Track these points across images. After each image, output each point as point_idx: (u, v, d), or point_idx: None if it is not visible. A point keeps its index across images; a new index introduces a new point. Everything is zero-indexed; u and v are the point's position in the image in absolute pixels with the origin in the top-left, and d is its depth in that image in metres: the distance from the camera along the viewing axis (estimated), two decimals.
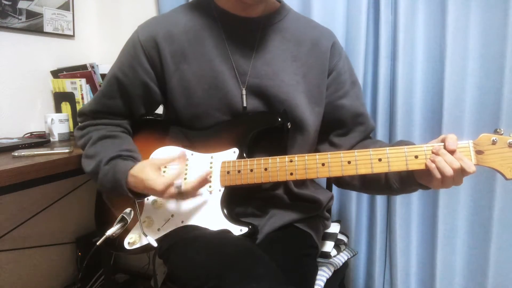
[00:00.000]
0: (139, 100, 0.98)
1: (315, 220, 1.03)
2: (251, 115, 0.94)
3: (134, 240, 0.94)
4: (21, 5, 1.51)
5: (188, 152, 0.96)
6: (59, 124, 1.40)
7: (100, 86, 1.52)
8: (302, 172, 0.84)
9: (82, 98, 1.52)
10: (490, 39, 1.20)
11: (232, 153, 0.91)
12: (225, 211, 0.88)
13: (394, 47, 1.30)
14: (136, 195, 0.88)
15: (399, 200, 1.36)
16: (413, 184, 0.83)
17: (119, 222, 0.90)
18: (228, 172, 0.89)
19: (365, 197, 1.46)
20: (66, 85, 1.55)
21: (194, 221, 0.90)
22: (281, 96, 0.92)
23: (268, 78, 0.93)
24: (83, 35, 1.80)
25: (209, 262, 0.77)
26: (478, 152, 0.74)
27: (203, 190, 0.90)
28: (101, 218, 1.04)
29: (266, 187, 0.96)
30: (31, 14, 1.55)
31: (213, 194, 0.90)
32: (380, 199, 1.40)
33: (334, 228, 1.20)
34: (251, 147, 0.92)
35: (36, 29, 1.58)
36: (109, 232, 0.87)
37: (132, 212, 0.92)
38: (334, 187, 1.15)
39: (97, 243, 0.87)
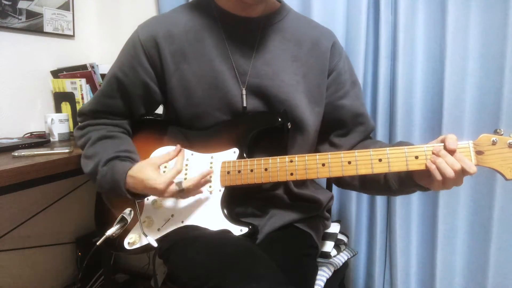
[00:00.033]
0: (139, 100, 0.98)
1: (315, 220, 1.03)
2: (251, 115, 0.93)
3: (134, 240, 0.94)
4: (21, 5, 1.51)
5: (188, 152, 0.96)
6: (59, 124, 1.40)
7: (100, 86, 1.52)
8: (302, 173, 0.84)
9: (82, 98, 1.52)
10: (490, 39, 1.20)
11: (232, 153, 0.91)
12: (225, 211, 0.88)
13: (394, 47, 1.30)
14: (135, 196, 0.88)
15: (399, 200, 1.36)
16: (412, 185, 0.83)
17: (119, 222, 0.90)
18: (228, 172, 0.89)
19: (365, 197, 1.46)
20: (66, 85, 1.55)
21: (194, 221, 0.90)
22: (281, 96, 0.92)
23: (268, 78, 0.93)
24: (83, 35, 1.80)
25: (209, 262, 0.77)
26: (478, 153, 0.74)
27: (203, 189, 0.90)
28: (101, 218, 1.04)
29: (266, 187, 0.96)
30: (31, 14, 1.55)
31: (213, 194, 0.90)
32: (380, 199, 1.40)
33: (334, 228, 1.20)
34: (251, 147, 0.92)
35: (36, 29, 1.58)
36: (109, 232, 0.87)
37: (132, 212, 0.92)
38: (334, 187, 1.15)
39: (97, 243, 0.87)
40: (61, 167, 1.06)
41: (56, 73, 1.62)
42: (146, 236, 0.89)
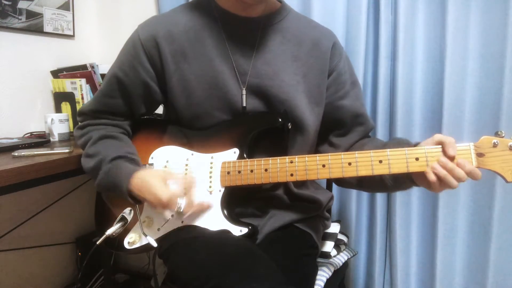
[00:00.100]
0: (140, 99, 0.98)
1: (315, 220, 1.03)
2: (251, 115, 0.93)
3: (134, 239, 0.94)
4: (21, 5, 1.51)
5: (188, 152, 0.96)
6: (59, 124, 1.40)
7: (100, 86, 1.52)
8: (302, 173, 0.84)
9: (82, 98, 1.52)
10: (490, 39, 1.20)
11: (232, 154, 0.91)
12: (225, 211, 0.88)
13: (394, 47, 1.30)
14: (132, 198, 0.88)
15: (399, 200, 1.37)
16: (406, 181, 0.83)
17: (119, 221, 0.90)
18: (228, 173, 0.89)
19: (365, 197, 1.46)
20: (66, 85, 1.55)
21: (194, 221, 0.90)
22: (281, 96, 0.92)
23: (268, 78, 0.93)
24: (83, 35, 1.80)
25: (209, 262, 0.77)
26: (479, 155, 0.74)
27: (203, 189, 0.90)
28: (101, 218, 1.04)
29: (266, 188, 0.96)
30: (31, 14, 1.55)
31: (213, 194, 0.90)
32: (380, 199, 1.40)
33: (334, 228, 1.20)
34: (252, 147, 0.92)
35: (36, 29, 1.58)
36: (109, 231, 0.87)
37: (132, 211, 0.92)
38: (334, 187, 1.16)
39: (97, 243, 0.87)
40: (61, 167, 1.06)
41: (56, 73, 1.62)
42: (145, 236, 0.89)
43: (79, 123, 1.03)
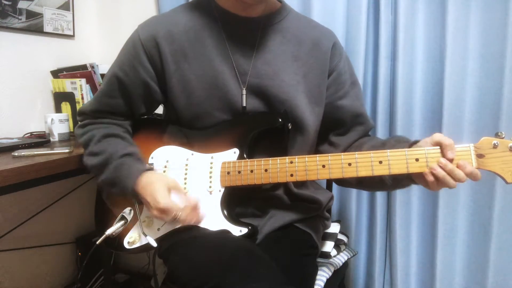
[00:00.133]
0: (140, 99, 0.98)
1: (315, 220, 1.03)
2: (251, 115, 0.93)
3: (134, 239, 0.94)
4: (21, 5, 1.51)
5: (188, 152, 0.96)
6: (59, 124, 1.40)
7: (100, 86, 1.52)
8: (302, 174, 0.84)
9: (82, 98, 1.52)
10: (490, 39, 1.20)
11: (232, 154, 0.91)
12: (225, 211, 0.88)
13: (394, 47, 1.30)
14: (133, 195, 0.88)
15: (399, 200, 1.37)
16: (405, 179, 0.83)
17: (119, 221, 0.90)
18: (228, 173, 0.89)
19: (365, 197, 1.46)
20: (66, 85, 1.55)
21: None
22: (281, 96, 0.92)
23: (269, 78, 0.93)
24: (83, 35, 1.80)
25: (209, 262, 0.77)
26: (479, 156, 0.75)
27: (203, 189, 0.90)
28: (101, 218, 1.04)
29: (266, 188, 0.96)
30: (31, 14, 1.55)
31: (213, 194, 0.90)
32: (380, 199, 1.40)
33: (334, 228, 1.20)
34: (252, 148, 0.92)
35: (36, 29, 1.58)
36: (109, 231, 0.87)
37: (132, 211, 0.92)
38: (334, 187, 1.16)
39: (97, 243, 0.87)
40: (61, 167, 1.06)
41: (56, 73, 1.62)
42: (145, 235, 0.89)
43: (80, 122, 1.03)
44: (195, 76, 0.93)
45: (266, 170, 0.86)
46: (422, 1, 1.27)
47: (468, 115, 1.25)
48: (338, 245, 1.17)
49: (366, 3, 1.32)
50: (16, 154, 1.07)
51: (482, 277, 1.29)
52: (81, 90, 1.52)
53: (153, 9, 1.73)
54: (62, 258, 1.77)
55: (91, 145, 0.95)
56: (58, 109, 1.57)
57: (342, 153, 0.82)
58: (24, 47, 1.55)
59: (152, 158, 0.98)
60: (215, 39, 0.93)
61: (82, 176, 1.08)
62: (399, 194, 1.37)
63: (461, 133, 1.26)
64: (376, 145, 0.92)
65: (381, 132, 1.36)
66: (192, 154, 0.95)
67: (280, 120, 0.89)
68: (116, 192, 0.91)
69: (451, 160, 0.74)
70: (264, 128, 0.91)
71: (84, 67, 1.57)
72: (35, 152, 1.09)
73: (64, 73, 1.60)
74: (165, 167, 0.96)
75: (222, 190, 0.90)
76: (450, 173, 0.73)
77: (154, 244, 0.88)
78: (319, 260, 1.08)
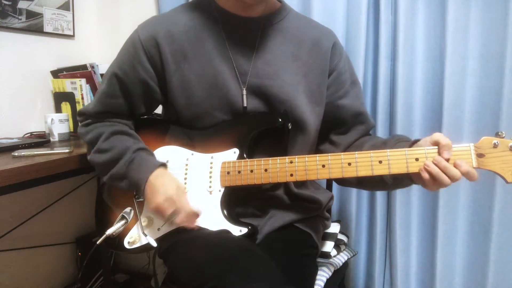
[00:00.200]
0: (140, 99, 0.98)
1: (315, 220, 1.03)
2: (251, 115, 0.93)
3: (134, 239, 0.94)
4: (21, 5, 1.51)
5: (188, 152, 0.96)
6: (59, 124, 1.40)
7: (99, 86, 1.52)
8: (302, 174, 0.84)
9: (82, 98, 1.52)
10: (490, 39, 1.20)
11: (232, 154, 0.91)
12: (225, 211, 0.88)
13: (394, 47, 1.30)
14: (139, 190, 0.88)
15: (399, 200, 1.36)
16: (405, 179, 0.83)
17: (119, 221, 0.89)
18: (228, 173, 0.89)
19: (365, 197, 1.46)
20: (66, 85, 1.55)
21: None
22: (281, 96, 0.92)
23: (269, 78, 0.93)
24: (83, 35, 1.80)
25: (209, 262, 0.77)
26: (479, 155, 0.74)
27: (203, 189, 0.90)
28: (101, 218, 1.04)
29: (266, 188, 0.96)
30: (31, 14, 1.55)
31: (213, 194, 0.90)
32: (380, 199, 1.40)
33: (334, 228, 1.20)
34: (252, 148, 0.92)
35: (36, 29, 1.58)
36: (109, 231, 0.87)
37: (132, 211, 0.92)
38: (334, 187, 1.16)
39: (97, 242, 0.87)
40: (61, 167, 1.06)
41: (56, 73, 1.62)
42: (145, 235, 0.89)
43: (82, 122, 1.02)
44: (195, 76, 0.93)
45: (266, 170, 0.86)
46: (422, 1, 1.27)
47: (468, 115, 1.25)
48: (338, 245, 1.17)
49: (366, 3, 1.32)
50: (16, 154, 1.07)
51: (482, 277, 1.29)
52: (81, 90, 1.52)
53: (153, 9, 1.73)
54: (62, 258, 1.77)
55: (99, 142, 0.94)
56: (58, 109, 1.57)
57: (342, 153, 0.82)
58: (24, 47, 1.55)
59: None
60: (215, 39, 0.93)
61: (82, 176, 1.08)
62: (399, 194, 1.37)
63: (461, 133, 1.26)
64: (376, 144, 0.92)
65: (381, 132, 1.36)
66: (192, 154, 0.95)
67: (280, 120, 0.89)
68: (124, 185, 0.90)
69: (447, 160, 0.74)
70: (264, 128, 0.91)
71: (84, 67, 1.57)
72: (35, 152, 1.09)
73: (64, 73, 1.60)
74: (167, 161, 0.95)
75: (222, 190, 0.90)
76: (444, 170, 0.73)
77: (154, 244, 0.88)
78: (319, 260, 1.08)
